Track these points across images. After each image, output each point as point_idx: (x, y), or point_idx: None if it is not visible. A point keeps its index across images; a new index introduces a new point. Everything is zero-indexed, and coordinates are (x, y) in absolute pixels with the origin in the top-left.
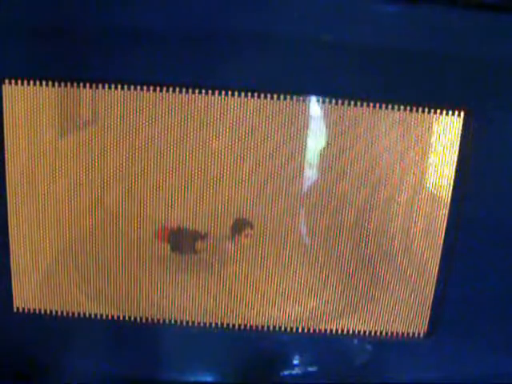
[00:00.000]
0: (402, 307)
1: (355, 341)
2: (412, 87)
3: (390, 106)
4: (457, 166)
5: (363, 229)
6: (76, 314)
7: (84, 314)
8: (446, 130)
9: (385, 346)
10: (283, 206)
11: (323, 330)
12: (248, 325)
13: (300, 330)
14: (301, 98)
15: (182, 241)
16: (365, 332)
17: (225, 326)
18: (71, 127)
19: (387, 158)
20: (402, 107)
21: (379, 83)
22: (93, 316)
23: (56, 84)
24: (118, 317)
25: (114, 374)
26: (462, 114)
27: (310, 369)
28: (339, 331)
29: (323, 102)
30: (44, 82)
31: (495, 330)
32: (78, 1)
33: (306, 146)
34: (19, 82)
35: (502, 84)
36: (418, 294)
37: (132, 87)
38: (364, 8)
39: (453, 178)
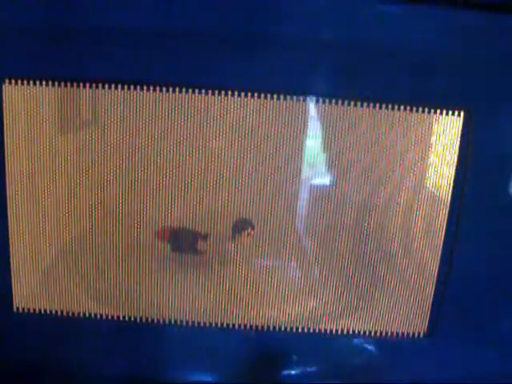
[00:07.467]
0: (401, 307)
1: (355, 341)
2: (412, 87)
3: (390, 106)
4: (457, 166)
5: (363, 229)
6: (76, 314)
7: (84, 314)
8: (446, 130)
9: (385, 346)
10: (283, 206)
11: (323, 330)
12: (248, 325)
13: (300, 330)
14: (301, 98)
15: (182, 241)
16: (365, 332)
17: (225, 326)
18: (71, 127)
19: (387, 158)
20: (402, 107)
21: (379, 83)
22: (93, 316)
23: (56, 84)
24: (118, 317)
25: (113, 374)
26: (462, 114)
27: (310, 369)
28: (339, 331)
29: (323, 101)
30: (44, 82)
31: (495, 329)
32: (78, 1)
33: (305, 146)
34: (19, 81)
35: (501, 84)
36: (417, 294)
37: (132, 87)
38: (364, 8)
39: (453, 178)
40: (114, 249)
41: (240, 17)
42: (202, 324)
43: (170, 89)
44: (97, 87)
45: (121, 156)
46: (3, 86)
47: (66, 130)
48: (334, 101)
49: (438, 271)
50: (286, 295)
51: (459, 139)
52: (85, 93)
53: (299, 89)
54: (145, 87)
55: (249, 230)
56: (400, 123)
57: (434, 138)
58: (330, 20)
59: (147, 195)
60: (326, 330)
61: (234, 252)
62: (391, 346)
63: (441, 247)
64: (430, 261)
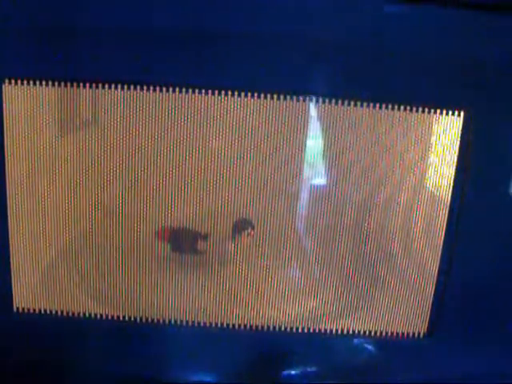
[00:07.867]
0: (401, 307)
1: (355, 341)
2: (412, 87)
3: (390, 106)
4: (457, 166)
5: (363, 229)
6: (76, 314)
7: (84, 314)
8: (446, 130)
9: (385, 346)
10: (283, 206)
11: (323, 330)
12: (248, 325)
13: (300, 330)
14: (301, 98)
15: (182, 241)
16: (365, 332)
17: (225, 326)
18: (71, 127)
19: (387, 158)
20: (402, 107)
21: (379, 83)
22: (93, 316)
23: (56, 84)
24: (118, 317)
25: (113, 374)
26: (462, 114)
27: (310, 369)
28: (339, 331)
29: (323, 101)
30: (44, 82)
31: (495, 329)
32: (77, 1)
33: (305, 146)
34: (19, 82)
35: (501, 84)
36: (417, 294)
37: (132, 87)
38: (364, 8)
39: (453, 178)
40: (114, 249)
41: (240, 17)
42: (201, 324)
43: (170, 89)
44: (97, 87)
45: (121, 156)
46: (3, 86)
47: (66, 130)
48: (333, 101)
49: (438, 271)
50: (286, 295)
51: (459, 139)
52: (85, 93)
53: (299, 89)
54: (145, 87)
55: (249, 230)
56: (400, 123)
57: (433, 138)
58: (330, 20)
59: (147, 195)
60: (326, 330)
61: (234, 252)
62: (391, 345)
63: (441, 247)
64: (430, 261)
